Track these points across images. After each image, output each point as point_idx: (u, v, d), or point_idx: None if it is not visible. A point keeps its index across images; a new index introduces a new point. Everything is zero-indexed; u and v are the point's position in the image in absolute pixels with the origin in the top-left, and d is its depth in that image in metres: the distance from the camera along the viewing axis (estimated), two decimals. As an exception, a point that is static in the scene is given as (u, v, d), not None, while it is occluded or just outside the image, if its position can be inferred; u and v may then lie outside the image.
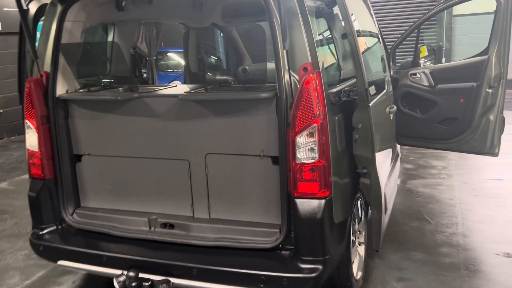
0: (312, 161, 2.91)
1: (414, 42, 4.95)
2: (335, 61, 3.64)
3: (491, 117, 4.41)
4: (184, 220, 3.47)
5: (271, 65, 6.00)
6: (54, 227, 3.70)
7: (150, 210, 3.61)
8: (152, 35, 4.84)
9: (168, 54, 13.87)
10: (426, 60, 5.30)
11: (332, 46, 3.65)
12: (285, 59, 2.94)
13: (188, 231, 3.39)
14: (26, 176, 4.02)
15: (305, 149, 2.91)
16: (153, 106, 3.44)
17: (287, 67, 2.96)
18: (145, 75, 5.11)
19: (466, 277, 3.92)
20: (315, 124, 2.86)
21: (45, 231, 3.67)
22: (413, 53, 4.95)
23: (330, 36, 3.67)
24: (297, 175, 2.94)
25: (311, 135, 2.88)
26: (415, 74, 4.81)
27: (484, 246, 4.47)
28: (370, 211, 3.61)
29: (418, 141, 4.87)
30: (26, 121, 3.64)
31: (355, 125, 3.20)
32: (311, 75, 2.85)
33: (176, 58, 13.79)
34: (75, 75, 3.75)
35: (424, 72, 4.75)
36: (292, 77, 2.99)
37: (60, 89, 3.60)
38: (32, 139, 3.64)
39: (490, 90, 4.41)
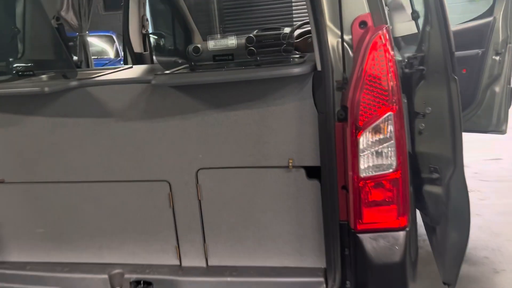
0: (386, 172, 1.82)
1: None
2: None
3: (497, 89, 3.75)
4: (168, 273, 2.26)
5: (236, 40, 4.81)
6: None
7: (112, 261, 2.35)
8: (82, 0, 3.46)
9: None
10: None
11: None
12: (324, 8, 1.81)
13: None
14: None
15: (373, 154, 1.81)
16: (105, 99, 2.15)
17: (329, 23, 1.84)
18: (75, 57, 3.72)
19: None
20: (390, 113, 1.76)
21: None
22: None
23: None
24: (362, 196, 1.84)
25: (382, 131, 1.78)
26: None
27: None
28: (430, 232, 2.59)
29: None
30: None
31: (420, 109, 2.15)
32: (379, 32, 1.74)
33: (97, 43, 12.07)
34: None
35: None
36: (339, 39, 1.86)
37: None
38: None
39: (497, 58, 3.76)
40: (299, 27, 4.52)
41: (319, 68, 1.85)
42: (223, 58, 2.12)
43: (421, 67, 2.11)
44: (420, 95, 2.14)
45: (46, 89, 2.03)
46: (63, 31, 3.38)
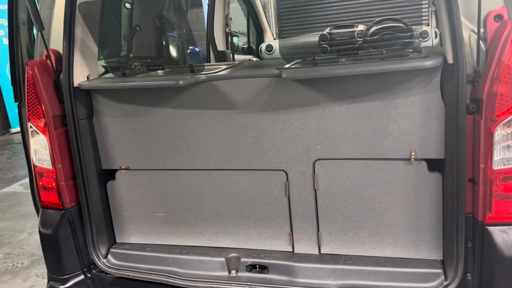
0: (519, 165, 1.83)
1: None
2: None
3: None
4: (282, 258, 2.36)
5: (302, 39, 4.87)
6: (82, 277, 2.54)
7: (228, 245, 2.48)
8: (180, 1, 3.64)
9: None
10: None
11: None
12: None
13: (290, 276, 2.28)
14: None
15: (507, 147, 1.82)
16: (230, 92, 2.27)
17: (462, 17, 1.86)
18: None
19: None
20: (528, 106, 1.77)
21: (68, 284, 2.50)
22: None
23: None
24: (494, 189, 1.86)
25: (518, 124, 1.80)
26: None
27: None
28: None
29: None
30: (29, 124, 2.43)
31: None
32: (517, 26, 1.75)
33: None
34: (97, 54, 2.55)
35: None
36: (471, 33, 1.89)
37: (79, 75, 2.40)
38: (40, 151, 2.43)
39: None
40: (376, 24, 4.54)
41: (450, 61, 1.88)
42: (345, 53, 2.18)
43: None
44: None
45: (181, 82, 2.18)
46: (164, 29, 3.57)
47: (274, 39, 5.84)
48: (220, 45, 4.73)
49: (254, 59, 5.31)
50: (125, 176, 2.55)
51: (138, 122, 2.43)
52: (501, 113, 1.78)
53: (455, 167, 1.92)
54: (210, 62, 4.82)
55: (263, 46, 5.24)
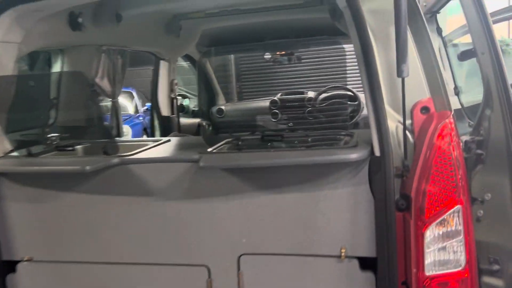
0: (453, 270, 1.66)
1: None
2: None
3: None
4: None
5: (253, 104, 4.79)
6: None
7: None
8: (116, 67, 3.46)
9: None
10: None
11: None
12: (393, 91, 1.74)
13: None
14: None
15: (440, 250, 1.66)
16: (146, 177, 2.05)
17: (387, 106, 1.75)
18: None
19: None
20: (459, 206, 1.63)
21: None
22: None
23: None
24: (427, 297, 1.67)
25: (450, 224, 1.64)
26: None
27: None
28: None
29: None
30: None
31: (478, 195, 2.01)
32: (446, 121, 1.64)
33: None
34: (5, 128, 2.30)
35: None
36: (398, 124, 1.78)
37: (-20, 154, 2.14)
38: None
39: None
40: (325, 91, 4.52)
41: (377, 153, 1.74)
42: (271, 138, 2.03)
43: (479, 151, 2.00)
44: (478, 180, 2.02)
45: (87, 168, 1.94)
46: (96, 98, 3.36)
47: (226, 102, 5.76)
48: (165, 111, 4.57)
49: (204, 123, 5.18)
50: (27, 269, 2.23)
51: (44, 207, 2.16)
52: (431, 213, 1.63)
53: (387, 268, 1.73)
54: (153, 128, 4.65)
55: (213, 109, 5.14)
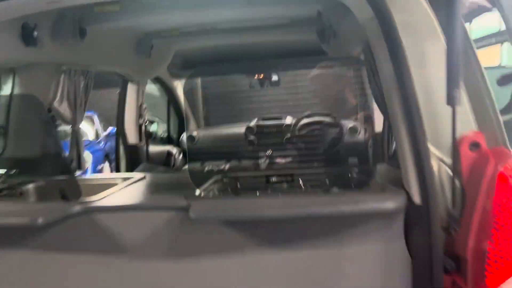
0: None
1: None
2: None
3: None
4: None
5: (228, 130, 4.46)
6: None
7: None
8: (78, 90, 3.01)
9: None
10: None
11: None
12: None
13: None
14: None
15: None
16: (116, 229, 1.61)
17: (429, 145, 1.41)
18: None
19: None
20: (527, 269, 1.29)
21: None
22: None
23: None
24: None
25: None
26: None
27: None
28: None
29: None
30: None
31: None
32: (507, 162, 1.31)
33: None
34: None
35: None
36: (441, 163, 1.43)
37: None
38: None
39: None
40: (304, 117, 4.23)
41: (417, 201, 1.39)
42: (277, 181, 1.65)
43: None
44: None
45: (40, 220, 1.49)
46: (53, 126, 2.89)
47: (198, 128, 5.37)
48: (132, 138, 4.12)
49: (174, 150, 4.78)
50: None
51: None
52: (494, 278, 1.28)
53: None
54: (119, 158, 4.18)
55: (184, 136, 4.76)
